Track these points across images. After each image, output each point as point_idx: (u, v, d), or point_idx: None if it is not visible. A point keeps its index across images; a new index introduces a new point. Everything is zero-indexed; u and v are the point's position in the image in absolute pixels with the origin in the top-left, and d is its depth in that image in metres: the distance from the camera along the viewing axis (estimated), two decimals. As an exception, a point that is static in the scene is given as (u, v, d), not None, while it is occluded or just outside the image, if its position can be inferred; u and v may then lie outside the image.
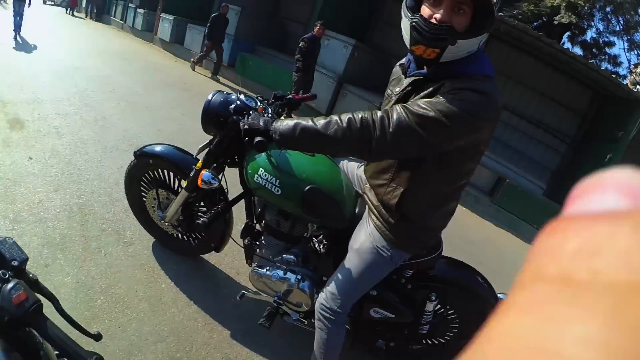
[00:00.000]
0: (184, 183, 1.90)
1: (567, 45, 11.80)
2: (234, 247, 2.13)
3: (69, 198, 2.78)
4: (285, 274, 1.66)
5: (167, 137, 4.34)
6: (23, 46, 7.92)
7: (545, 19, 10.88)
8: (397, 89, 1.28)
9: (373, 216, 1.39)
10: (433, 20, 1.07)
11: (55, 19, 15.03)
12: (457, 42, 1.07)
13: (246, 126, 1.25)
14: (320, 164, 1.59)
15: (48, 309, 0.80)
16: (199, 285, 2.23)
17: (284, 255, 1.69)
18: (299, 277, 1.66)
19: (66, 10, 18.11)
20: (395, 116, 1.11)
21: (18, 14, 8.60)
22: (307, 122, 1.19)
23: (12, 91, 4.98)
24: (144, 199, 2.26)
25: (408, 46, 1.15)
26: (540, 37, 6.02)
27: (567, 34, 11.51)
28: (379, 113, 1.14)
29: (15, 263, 0.69)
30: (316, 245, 1.71)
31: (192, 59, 9.19)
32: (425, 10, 1.10)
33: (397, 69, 1.39)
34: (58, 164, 3.23)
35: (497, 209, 5.94)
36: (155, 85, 6.78)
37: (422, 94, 1.17)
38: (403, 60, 1.35)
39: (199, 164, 1.75)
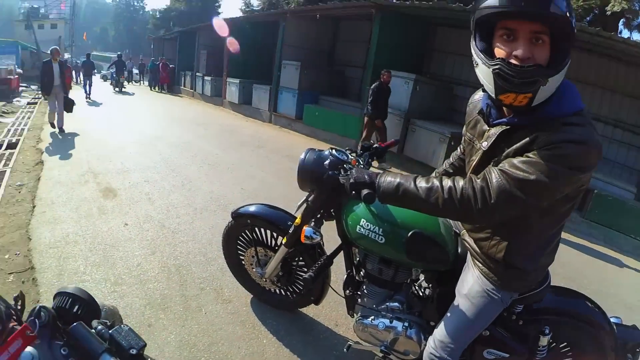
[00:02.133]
0: (282, 240, 1.98)
1: (625, 33, 11.02)
2: (331, 298, 2.15)
3: (166, 260, 2.98)
4: (391, 322, 1.64)
5: (250, 194, 4.53)
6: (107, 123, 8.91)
7: (597, 12, 10.34)
8: (485, 143, 1.22)
9: (478, 262, 1.36)
10: (514, 61, 0.99)
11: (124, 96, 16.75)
12: (548, 80, 1.00)
13: (352, 180, 1.30)
14: None
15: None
16: (300, 339, 2.24)
17: (388, 303, 1.68)
18: (406, 324, 1.63)
19: (150, 86, 19.34)
20: (495, 184, 1.07)
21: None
22: (409, 184, 1.21)
23: (102, 163, 5.59)
24: (241, 257, 2.36)
25: (493, 96, 1.08)
26: (598, 32, 5.67)
27: (622, 21, 10.79)
28: (479, 182, 1.11)
29: (133, 351, 0.68)
30: (419, 291, 1.70)
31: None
32: (500, 51, 1.03)
33: (472, 110, 1.36)
34: (152, 228, 3.50)
35: (589, 223, 5.45)
36: (232, 146, 7.23)
37: (514, 147, 1.10)
38: (476, 99, 1.33)
39: (298, 220, 1.82)
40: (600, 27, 5.86)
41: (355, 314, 1.79)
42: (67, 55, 25.62)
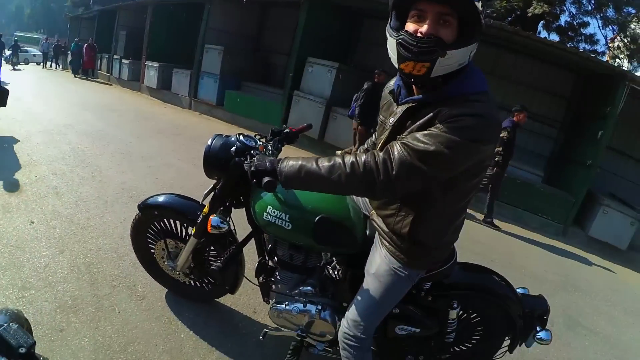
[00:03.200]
0: (192, 230, 1.90)
1: (543, 33, 12.01)
2: (248, 286, 2.12)
3: (75, 258, 2.76)
4: (305, 306, 1.66)
5: (165, 184, 4.35)
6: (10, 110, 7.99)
7: (518, 12, 11.12)
8: (392, 119, 1.25)
9: (385, 241, 1.40)
10: (419, 34, 1.06)
11: (41, 78, 15.21)
12: (447, 53, 1.05)
13: (253, 168, 1.26)
14: None
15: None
16: (218, 330, 2.20)
17: (301, 288, 1.69)
18: (319, 307, 1.66)
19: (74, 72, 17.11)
20: (397, 156, 1.10)
21: None
22: (311, 164, 1.20)
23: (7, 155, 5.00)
24: (152, 251, 2.25)
25: (396, 65, 1.13)
26: (517, 32, 6.16)
27: (541, 23, 11.71)
28: (381, 155, 1.13)
29: (22, 350, 0.66)
30: (331, 273, 1.71)
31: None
32: (409, 27, 1.09)
33: (386, 94, 1.39)
34: (60, 225, 3.22)
35: (499, 204, 5.95)
36: (147, 134, 6.86)
37: (418, 123, 1.15)
38: (391, 84, 1.36)
39: (206, 210, 1.76)
40: (519, 27, 6.37)
41: (270, 301, 1.79)
42: None
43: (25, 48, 22.41)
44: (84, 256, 2.80)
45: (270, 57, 10.78)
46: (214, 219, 1.56)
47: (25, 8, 52.88)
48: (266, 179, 1.21)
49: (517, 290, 1.77)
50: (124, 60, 13.47)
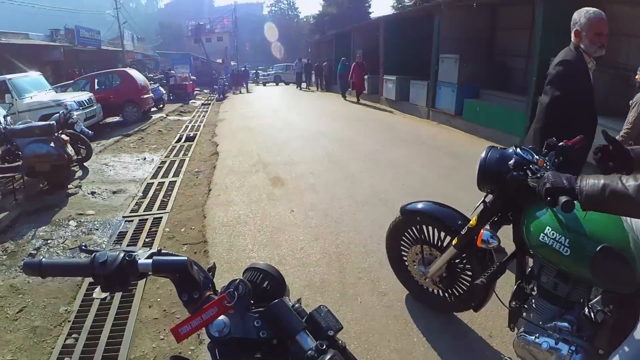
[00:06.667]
0: (453, 241, 1.94)
1: None
2: (488, 307, 2.04)
3: (328, 247, 3.23)
4: (557, 343, 1.50)
5: (411, 190, 4.58)
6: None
7: None
8: None
9: None
10: None
11: (288, 95, 18.49)
12: None
13: (548, 184, 1.23)
14: (605, 216, 1.39)
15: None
16: (451, 344, 2.18)
17: (557, 323, 1.53)
18: (572, 348, 1.47)
19: (297, 85, 21.59)
20: None
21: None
22: (616, 183, 1.10)
23: (271, 155, 6.37)
24: (404, 254, 2.39)
25: None
26: None
27: None
28: None
29: (331, 333, 0.67)
30: (592, 313, 1.50)
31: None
32: None
33: None
34: (316, 216, 3.86)
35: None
36: (391, 142, 7.41)
37: None
38: None
39: (473, 222, 1.78)
40: None
41: (516, 328, 1.69)
42: (232, 63, 31.01)
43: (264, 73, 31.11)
44: (335, 246, 3.26)
45: (508, 61, 9.96)
46: (485, 233, 1.58)
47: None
48: (564, 199, 1.15)
49: None
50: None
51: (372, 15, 31.80)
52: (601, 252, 1.32)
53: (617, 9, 7.09)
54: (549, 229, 1.44)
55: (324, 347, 0.62)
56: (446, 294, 2.28)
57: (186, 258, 0.70)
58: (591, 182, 1.14)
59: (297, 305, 0.72)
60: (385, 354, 2.10)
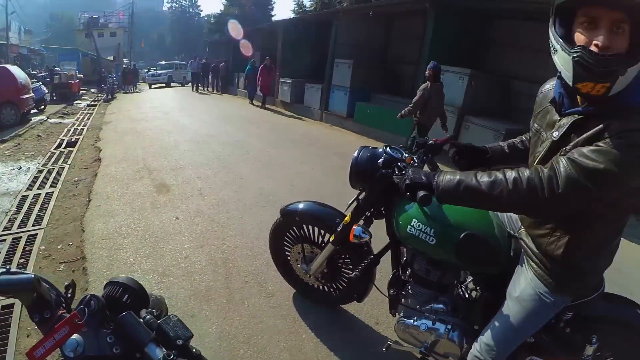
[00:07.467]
0: (331, 238, 1.98)
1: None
2: (373, 296, 2.13)
3: (214, 253, 3.08)
4: (434, 323, 1.61)
5: (300, 191, 4.60)
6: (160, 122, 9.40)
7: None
8: (556, 133, 1.16)
9: (533, 263, 1.30)
10: (594, 48, 0.96)
11: (180, 96, 17.43)
12: (627, 70, 0.96)
13: (408, 181, 1.28)
14: None
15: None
16: (340, 336, 2.24)
17: (433, 305, 1.64)
18: (449, 326, 1.60)
19: (193, 87, 19.32)
20: (563, 174, 1.03)
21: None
22: (470, 179, 1.18)
23: (158, 160, 5.91)
24: (287, 253, 2.39)
25: (570, 83, 1.04)
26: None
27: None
28: (546, 171, 1.07)
29: (179, 342, 0.67)
30: (465, 293, 1.65)
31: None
32: (580, 37, 1.00)
33: (542, 99, 1.30)
34: (202, 222, 3.65)
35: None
36: (283, 144, 7.41)
37: (584, 136, 1.06)
38: (546, 88, 1.28)
39: (347, 219, 1.82)
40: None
41: (397, 314, 1.77)
42: (125, 61, 27.44)
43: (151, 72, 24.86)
44: (221, 252, 3.12)
45: (399, 68, 10.85)
46: (356, 228, 1.61)
47: (166, 37, 61.88)
48: (421, 193, 1.21)
49: None
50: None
51: (274, 19, 31.97)
52: (464, 239, 1.44)
53: (504, 23, 8.30)
54: (415, 221, 1.53)
55: (171, 356, 0.62)
56: (330, 289, 2.33)
57: (33, 275, 0.67)
58: (447, 177, 1.22)
59: (147, 317, 0.71)
60: (275, 354, 2.08)
